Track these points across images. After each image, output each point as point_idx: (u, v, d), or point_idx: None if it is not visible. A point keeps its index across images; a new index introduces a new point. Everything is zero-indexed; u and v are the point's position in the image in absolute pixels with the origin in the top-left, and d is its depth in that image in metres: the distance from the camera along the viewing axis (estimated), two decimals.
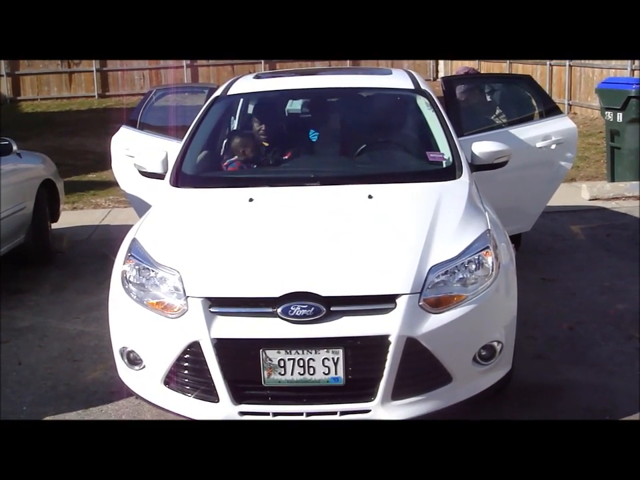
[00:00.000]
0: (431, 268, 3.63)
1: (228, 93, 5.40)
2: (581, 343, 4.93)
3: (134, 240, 4.05)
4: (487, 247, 3.82)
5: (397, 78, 5.50)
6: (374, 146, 5.02)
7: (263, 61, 21.82)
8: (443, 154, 4.71)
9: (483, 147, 4.83)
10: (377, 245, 3.79)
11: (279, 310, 3.49)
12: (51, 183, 7.26)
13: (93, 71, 21.92)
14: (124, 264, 3.94)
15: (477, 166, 4.79)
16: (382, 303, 3.52)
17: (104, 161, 6.52)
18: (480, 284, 3.69)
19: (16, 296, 6.24)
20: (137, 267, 3.86)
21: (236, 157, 5.18)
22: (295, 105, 5.59)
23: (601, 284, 5.97)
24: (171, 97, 6.91)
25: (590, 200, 8.60)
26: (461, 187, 4.40)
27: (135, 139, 6.42)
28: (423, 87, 5.30)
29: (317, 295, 3.49)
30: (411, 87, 5.27)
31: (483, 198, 4.45)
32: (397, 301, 3.51)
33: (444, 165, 4.65)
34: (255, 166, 5.19)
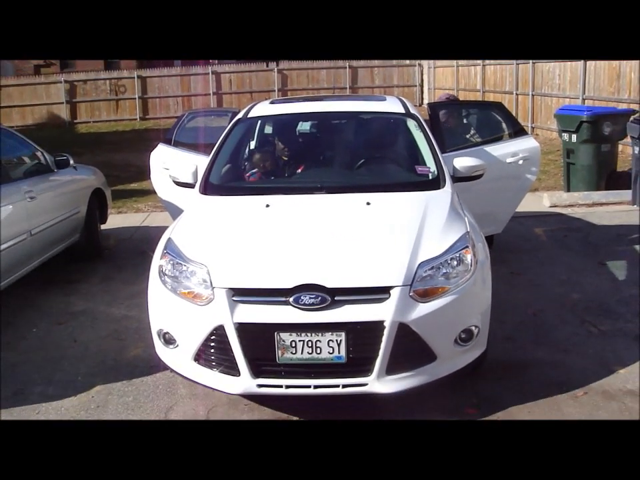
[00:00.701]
0: (420, 264, 3.57)
1: (248, 116, 5.34)
2: (543, 327, 4.86)
3: (169, 239, 3.99)
4: (467, 246, 3.75)
5: (390, 103, 5.43)
6: (371, 160, 4.94)
7: (276, 89, 21.86)
8: (429, 167, 4.64)
9: (463, 162, 4.76)
10: (374, 244, 3.72)
11: (291, 299, 3.43)
12: (101, 192, 7.20)
13: (135, 98, 21.97)
14: (160, 259, 3.88)
15: (458, 178, 4.71)
16: (378, 293, 3.46)
17: (143, 173, 6.47)
18: (460, 277, 3.63)
19: (71, 285, 6.19)
20: (171, 262, 3.80)
21: (256, 169, 5.12)
22: (304, 126, 5.51)
23: (559, 277, 5.90)
24: (200, 119, 6.84)
25: (550, 207, 8.51)
26: (444, 195, 4.32)
27: (170, 154, 6.36)
28: (412, 111, 5.23)
29: (324, 286, 3.44)
30: (402, 110, 5.20)
31: (463, 205, 4.38)
32: (391, 291, 3.45)
33: (430, 177, 4.57)
34: (273, 177, 5.13)
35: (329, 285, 3.44)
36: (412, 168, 4.79)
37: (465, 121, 6.56)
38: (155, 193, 7.01)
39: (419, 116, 5.18)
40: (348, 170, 4.85)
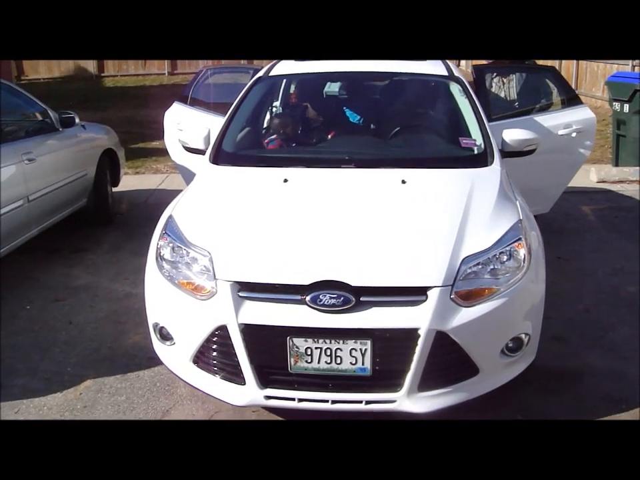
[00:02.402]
0: (463, 259, 2.92)
1: (270, 74, 4.64)
2: (597, 326, 4.21)
3: (170, 217, 3.38)
4: (520, 239, 3.10)
5: (431, 64, 4.65)
6: (407, 130, 4.23)
7: None
8: (474, 140, 3.94)
9: (514, 134, 4.05)
10: (409, 234, 3.07)
11: (308, 298, 2.81)
12: (112, 152, 6.59)
13: None
14: (159, 240, 3.28)
15: (507, 152, 4.01)
16: (413, 294, 2.83)
17: (163, 129, 5.87)
18: (512, 276, 2.98)
19: (76, 255, 5.64)
20: (170, 245, 3.20)
21: (275, 135, 4.47)
22: (332, 87, 4.80)
23: (612, 265, 5.20)
24: (220, 76, 6.14)
25: (597, 182, 7.75)
26: (493, 174, 3.64)
27: (185, 114, 5.73)
28: (456, 73, 4.50)
29: (347, 284, 2.81)
30: (445, 73, 4.46)
31: (513, 185, 3.71)
32: (428, 293, 2.82)
33: (475, 152, 3.88)
34: (294, 144, 4.46)
35: (353, 283, 2.81)
36: (455, 140, 4.08)
37: (513, 86, 5.80)
38: None
39: (463, 79, 4.46)
40: (381, 140, 4.16)
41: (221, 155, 3.95)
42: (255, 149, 4.33)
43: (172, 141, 5.83)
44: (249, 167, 3.85)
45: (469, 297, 2.88)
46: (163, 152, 9.90)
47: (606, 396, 3.45)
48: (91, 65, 21.16)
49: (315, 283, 2.82)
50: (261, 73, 4.68)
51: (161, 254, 3.21)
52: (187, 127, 5.42)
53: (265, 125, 4.76)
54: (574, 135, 5.30)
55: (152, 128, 12.11)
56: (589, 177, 7.91)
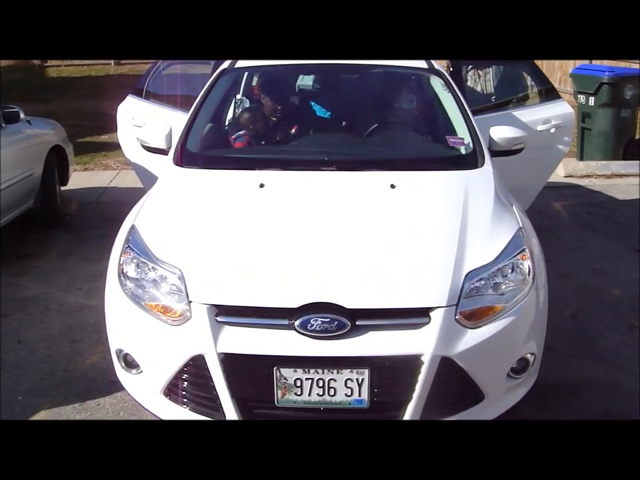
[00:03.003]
0: (466, 275, 2.63)
1: (236, 66, 4.25)
2: (586, 333, 4.00)
3: (132, 228, 2.98)
4: (524, 250, 2.82)
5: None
6: (388, 127, 3.90)
7: None
8: (462, 139, 3.64)
9: (503, 132, 3.77)
10: (406, 248, 2.75)
11: (297, 323, 2.47)
12: (61, 149, 6.10)
13: None
14: (121, 255, 2.89)
15: (494, 152, 3.73)
16: (414, 317, 2.52)
17: (116, 123, 5.44)
18: (517, 291, 2.71)
19: (23, 261, 5.16)
20: (134, 261, 2.81)
21: (244, 131, 4.09)
22: (305, 81, 4.42)
23: (592, 266, 5.02)
24: (178, 66, 5.69)
25: (565, 177, 7.60)
26: (485, 177, 3.35)
27: (141, 108, 5.28)
28: (436, 66, 4.19)
29: (341, 306, 2.48)
30: (425, 66, 4.14)
31: (505, 186, 3.44)
32: (431, 314, 2.51)
33: (464, 151, 3.59)
34: (264, 142, 4.08)
35: (347, 305, 2.49)
36: (440, 138, 3.79)
37: (490, 79, 5.54)
38: None
39: (445, 73, 4.16)
40: (360, 138, 3.82)
41: (186, 156, 3.55)
42: (222, 149, 3.93)
43: (126, 137, 5.39)
44: (219, 169, 3.45)
45: (474, 317, 2.59)
46: (113, 146, 9.38)
47: (606, 411, 3.23)
48: None
49: (304, 305, 2.49)
50: (225, 65, 4.28)
51: (124, 271, 2.82)
52: (145, 123, 5.02)
53: (229, 120, 4.36)
54: (552, 130, 5.08)
55: (100, 120, 11.53)
56: (556, 171, 7.75)
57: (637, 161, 7.69)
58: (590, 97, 8.00)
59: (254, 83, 4.98)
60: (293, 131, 4.01)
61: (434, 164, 3.46)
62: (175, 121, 4.68)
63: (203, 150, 3.77)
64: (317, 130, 3.99)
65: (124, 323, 2.78)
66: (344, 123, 4.07)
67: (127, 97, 5.42)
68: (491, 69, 5.43)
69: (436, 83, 4.10)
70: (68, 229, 5.96)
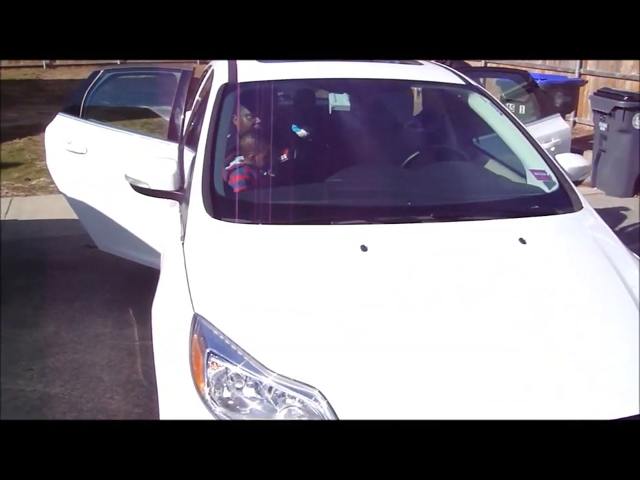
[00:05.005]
0: None
1: (240, 80, 3.28)
2: None
3: (202, 320, 2.04)
4: None
5: (434, 70, 3.61)
6: (445, 158, 3.20)
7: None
8: (544, 171, 3.02)
9: (572, 160, 3.20)
10: (586, 353, 2.06)
11: None
12: None
13: None
14: (206, 368, 1.95)
15: None
16: None
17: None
18: None
19: None
20: (227, 374, 1.91)
21: (242, 159, 3.22)
22: (340, 101, 3.54)
23: None
24: (122, 79, 4.58)
25: None
26: (598, 222, 2.75)
27: (78, 130, 4.18)
28: (471, 81, 3.53)
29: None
30: (460, 81, 3.46)
31: None
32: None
33: (550, 189, 2.95)
34: (271, 174, 3.21)
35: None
36: (519, 172, 3.13)
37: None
38: (13, 166, 4.73)
39: (483, 88, 3.53)
40: (425, 174, 3.05)
41: (222, 205, 2.62)
42: (270, 193, 2.85)
43: (59, 166, 4.28)
44: (283, 224, 2.51)
45: None
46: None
47: None
48: None
49: None
50: (223, 80, 3.32)
51: (212, 394, 1.90)
52: (87, 149, 4.01)
53: (233, 147, 3.42)
54: (553, 149, 4.64)
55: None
56: None
57: None
58: (520, 106, 7.79)
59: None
60: (344, 168, 3.04)
61: (529, 205, 2.80)
62: (133, 147, 3.81)
63: (242, 196, 2.84)
64: (363, 163, 3.09)
65: None
66: (394, 156, 3.19)
67: (57, 116, 4.28)
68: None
69: (477, 102, 3.44)
70: None
